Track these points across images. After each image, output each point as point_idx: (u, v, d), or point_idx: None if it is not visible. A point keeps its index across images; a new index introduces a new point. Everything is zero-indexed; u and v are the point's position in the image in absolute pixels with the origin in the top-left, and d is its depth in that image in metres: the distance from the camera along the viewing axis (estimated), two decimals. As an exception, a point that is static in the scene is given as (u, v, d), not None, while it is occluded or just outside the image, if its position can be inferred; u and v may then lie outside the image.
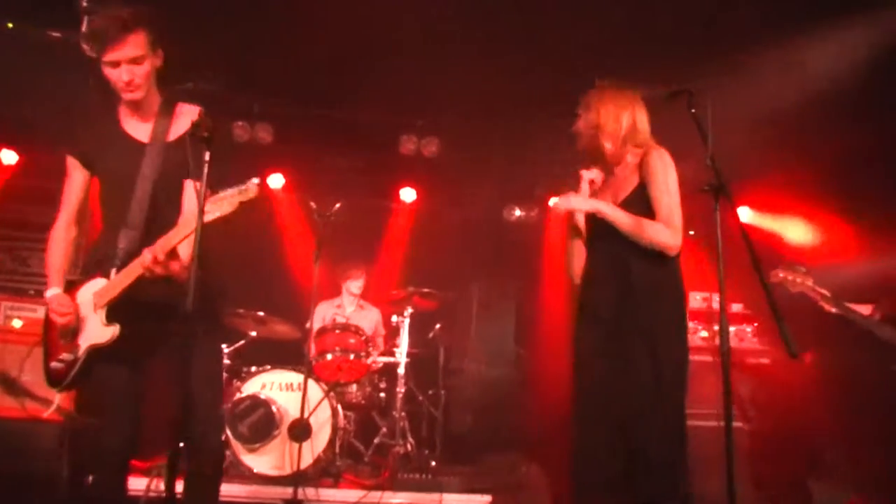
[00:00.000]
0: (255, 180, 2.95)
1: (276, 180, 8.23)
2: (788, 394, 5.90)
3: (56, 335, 3.25)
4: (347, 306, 7.29)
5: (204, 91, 2.95)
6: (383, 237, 8.54)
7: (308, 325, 5.75)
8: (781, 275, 4.74)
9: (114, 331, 3.13)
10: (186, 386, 3.07)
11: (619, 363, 3.23)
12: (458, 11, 5.87)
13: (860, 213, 6.26)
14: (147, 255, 2.99)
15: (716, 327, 5.53)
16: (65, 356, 3.22)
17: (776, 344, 6.05)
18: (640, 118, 3.48)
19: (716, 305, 5.50)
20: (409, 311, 6.49)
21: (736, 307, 5.79)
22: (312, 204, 5.59)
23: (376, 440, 6.51)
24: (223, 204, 2.92)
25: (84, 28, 3.22)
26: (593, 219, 3.47)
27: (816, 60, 5.60)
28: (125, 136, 3.31)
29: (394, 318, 6.71)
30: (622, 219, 3.30)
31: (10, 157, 7.65)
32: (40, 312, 3.92)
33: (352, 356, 6.33)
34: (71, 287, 3.27)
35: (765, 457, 5.47)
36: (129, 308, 3.14)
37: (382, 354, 6.75)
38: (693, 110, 3.04)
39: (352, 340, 6.42)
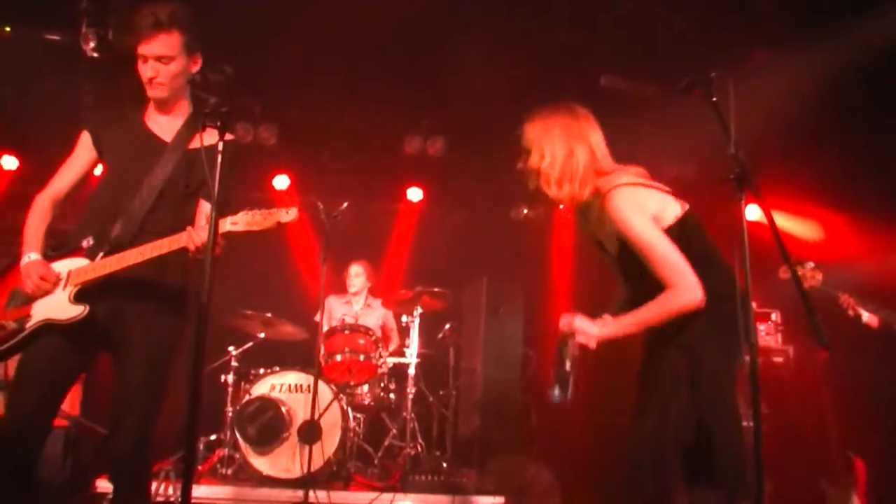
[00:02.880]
0: (295, 209, 3.09)
1: (281, 181, 8.19)
2: (802, 393, 5.86)
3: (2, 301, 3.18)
4: (355, 305, 7.24)
5: (212, 83, 2.87)
6: (390, 237, 8.49)
7: (317, 317, 5.69)
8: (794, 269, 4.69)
9: (82, 310, 3.09)
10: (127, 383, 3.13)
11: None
12: (464, 9, 5.83)
13: (867, 211, 6.22)
14: (194, 239, 3.00)
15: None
16: (9, 323, 3.13)
17: (791, 341, 6.02)
18: (595, 144, 3.06)
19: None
20: (418, 311, 6.43)
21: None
22: (319, 204, 5.53)
23: (386, 442, 6.45)
24: (264, 219, 3.05)
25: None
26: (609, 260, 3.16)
27: (822, 59, 5.55)
28: (146, 129, 3.33)
29: (403, 319, 6.65)
30: (642, 326, 2.93)
31: (10, 162, 7.61)
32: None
33: (361, 357, 6.27)
34: (47, 257, 3.22)
35: (778, 456, 5.42)
36: (102, 291, 3.12)
37: (392, 355, 6.70)
38: (714, 99, 2.94)
39: (361, 341, 6.36)
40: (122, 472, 3.17)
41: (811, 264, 4.74)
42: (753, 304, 5.70)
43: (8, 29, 6.08)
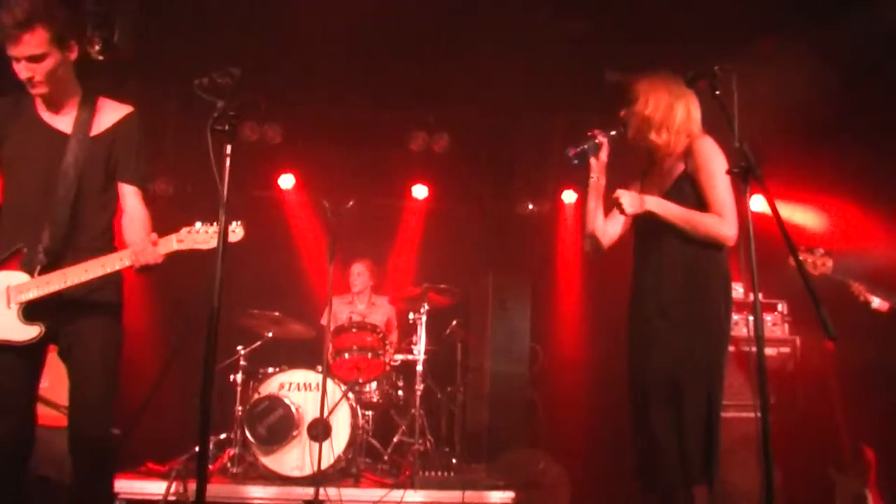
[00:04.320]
0: (240, 223, 3.05)
1: (287, 180, 8.20)
2: (809, 383, 5.84)
3: None
4: (359, 303, 7.26)
5: (221, 86, 2.88)
6: (396, 234, 8.49)
7: (323, 320, 5.70)
8: (801, 258, 4.68)
9: (38, 331, 3.08)
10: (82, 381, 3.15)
11: (666, 352, 3.23)
12: (466, 5, 5.82)
13: (879, 198, 6.19)
14: (139, 260, 3.07)
15: (736, 317, 5.47)
16: None
17: (798, 332, 6.01)
18: (693, 108, 3.41)
19: (739, 294, 5.44)
20: (425, 307, 6.44)
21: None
22: (325, 202, 5.54)
23: (395, 439, 6.46)
24: (209, 239, 3.05)
25: None
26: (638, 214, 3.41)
27: (833, 45, 5.53)
28: (43, 124, 3.23)
29: (410, 316, 6.65)
30: (677, 215, 3.25)
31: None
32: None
33: (369, 354, 6.29)
34: None
35: (785, 446, 5.41)
36: (48, 308, 3.10)
37: (399, 352, 6.71)
38: (717, 92, 2.96)
39: (369, 339, 6.38)
40: (83, 455, 3.18)
41: (821, 251, 4.72)
42: (760, 295, 5.73)
43: None
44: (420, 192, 8.42)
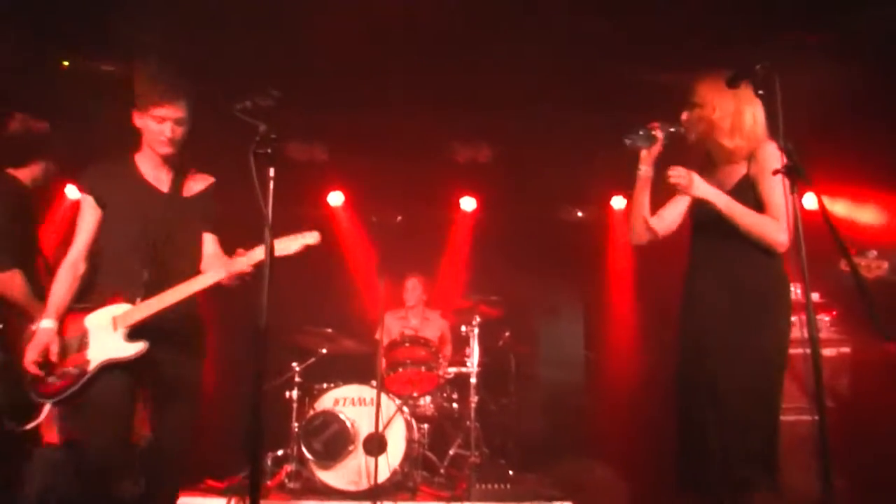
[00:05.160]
0: (316, 233, 3.47)
1: (335, 198, 8.28)
2: (870, 384, 5.70)
3: (48, 353, 3.42)
4: (412, 318, 7.29)
5: (262, 109, 2.95)
6: (445, 247, 8.51)
7: (377, 335, 5.74)
8: (854, 262, 4.57)
9: (140, 347, 3.39)
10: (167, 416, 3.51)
11: (722, 356, 3.21)
12: (505, 11, 5.82)
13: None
14: (231, 270, 3.41)
15: (794, 318, 5.35)
16: (70, 370, 3.42)
17: (857, 333, 5.86)
18: (758, 112, 3.36)
19: (797, 295, 5.32)
20: (476, 320, 6.43)
21: (812, 296, 5.58)
22: (373, 218, 5.59)
23: (451, 451, 6.46)
24: (290, 244, 3.39)
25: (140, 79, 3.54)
26: (698, 209, 3.42)
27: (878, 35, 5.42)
28: (144, 182, 3.65)
29: (462, 328, 6.66)
30: (736, 211, 3.23)
31: (75, 192, 7.83)
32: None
33: (423, 368, 6.32)
34: (76, 311, 3.51)
35: (845, 448, 5.28)
36: (150, 331, 3.41)
37: (453, 365, 6.71)
38: (760, 91, 2.92)
39: (422, 353, 6.42)
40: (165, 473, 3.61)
41: (874, 254, 4.60)
42: (816, 295, 5.61)
43: (66, 63, 6.28)
44: (468, 203, 8.43)
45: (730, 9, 5.41)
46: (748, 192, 3.28)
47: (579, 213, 8.54)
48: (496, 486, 5.72)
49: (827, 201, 6.89)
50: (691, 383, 3.32)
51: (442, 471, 6.32)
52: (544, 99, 6.85)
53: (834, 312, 5.93)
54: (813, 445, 2.74)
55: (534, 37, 6.07)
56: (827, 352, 5.66)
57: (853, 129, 6.11)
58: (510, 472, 6.35)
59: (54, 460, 4.57)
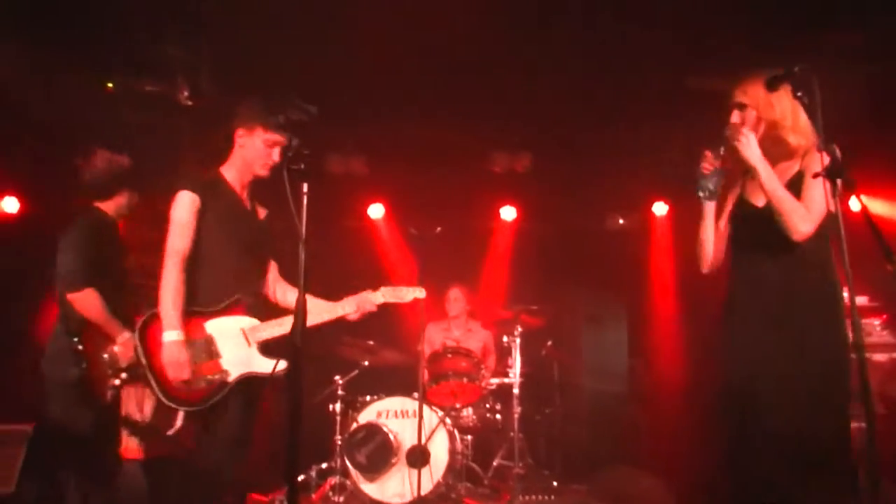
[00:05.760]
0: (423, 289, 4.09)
1: (376, 210, 8.33)
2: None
3: (187, 360, 3.44)
4: (455, 329, 7.26)
5: (297, 122, 2.98)
6: (486, 257, 8.49)
7: (419, 346, 5.75)
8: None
9: (282, 365, 3.50)
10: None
11: (776, 368, 3.14)
12: (545, 21, 5.80)
13: None
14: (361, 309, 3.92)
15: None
16: (212, 377, 3.48)
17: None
18: (802, 114, 3.26)
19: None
20: (518, 330, 6.41)
21: (860, 300, 5.47)
22: (413, 230, 5.61)
23: (495, 462, 6.43)
24: (404, 294, 4.06)
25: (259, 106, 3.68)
26: (738, 214, 3.38)
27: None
28: (238, 196, 3.77)
29: (504, 339, 6.63)
30: (775, 186, 3.14)
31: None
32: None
33: (465, 379, 6.30)
34: (193, 314, 3.54)
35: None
36: (277, 349, 3.55)
37: (495, 375, 6.68)
38: (799, 94, 2.88)
39: (464, 364, 6.39)
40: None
41: (920, 254, 4.49)
42: (865, 299, 5.49)
43: (110, 85, 6.40)
44: (508, 213, 8.42)
45: (761, 13, 5.35)
46: (798, 188, 3.20)
47: (620, 221, 8.47)
48: (540, 497, 5.67)
49: (867, 201, 6.85)
50: (741, 396, 3.23)
51: (486, 482, 6.29)
52: (583, 107, 6.82)
53: (885, 316, 5.79)
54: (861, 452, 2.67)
55: (573, 45, 6.06)
56: (878, 356, 5.53)
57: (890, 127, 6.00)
58: (554, 483, 6.29)
59: (138, 476, 4.78)
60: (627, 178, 7.97)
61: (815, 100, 2.83)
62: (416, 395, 5.82)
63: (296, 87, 5.78)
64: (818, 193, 3.05)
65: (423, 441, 5.50)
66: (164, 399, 3.44)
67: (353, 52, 6.03)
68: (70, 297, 4.07)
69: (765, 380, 3.15)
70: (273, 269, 3.97)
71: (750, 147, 3.17)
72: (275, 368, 3.49)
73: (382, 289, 4.00)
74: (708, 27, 5.60)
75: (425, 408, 5.64)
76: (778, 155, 3.31)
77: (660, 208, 8.21)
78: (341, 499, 5.82)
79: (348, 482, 5.83)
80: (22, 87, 5.76)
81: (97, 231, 4.28)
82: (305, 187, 2.95)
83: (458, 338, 7.11)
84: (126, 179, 4.44)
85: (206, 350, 3.49)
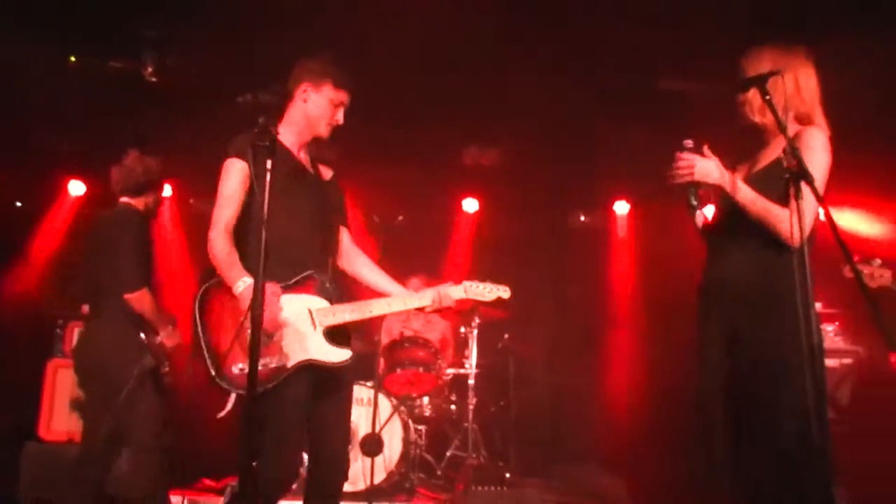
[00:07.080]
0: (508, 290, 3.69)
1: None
2: (873, 395, 5.66)
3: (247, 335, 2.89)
4: (414, 319, 7.25)
5: (263, 103, 2.89)
6: (447, 248, 8.49)
7: (377, 338, 5.71)
8: (858, 269, 4.52)
9: (348, 355, 3.22)
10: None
11: (738, 364, 3.08)
12: (513, 19, 5.81)
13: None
14: (440, 302, 3.51)
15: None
16: (271, 360, 3.09)
17: (860, 342, 5.83)
18: (806, 92, 3.15)
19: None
20: (476, 321, 6.41)
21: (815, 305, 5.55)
22: (375, 218, 5.58)
23: (448, 453, 6.44)
24: (487, 293, 3.64)
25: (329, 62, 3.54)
26: (718, 208, 3.27)
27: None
28: (298, 162, 3.46)
29: (462, 330, 6.63)
30: (749, 199, 2.96)
31: (78, 188, 7.83)
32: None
33: (422, 369, 6.29)
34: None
35: (854, 460, 5.24)
36: (344, 337, 3.28)
37: (452, 366, 6.68)
38: (767, 97, 2.90)
39: (421, 353, 6.38)
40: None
41: (878, 262, 4.55)
42: (819, 305, 5.57)
43: (73, 59, 6.26)
44: (470, 205, 8.42)
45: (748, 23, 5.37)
46: (776, 174, 2.94)
47: (582, 218, 8.52)
48: (494, 488, 5.68)
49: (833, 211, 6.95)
50: (707, 386, 3.19)
51: (439, 472, 6.30)
52: (548, 102, 6.83)
53: (838, 322, 5.89)
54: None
55: (541, 42, 6.06)
56: (830, 362, 5.62)
57: (865, 137, 6.09)
58: (507, 475, 6.31)
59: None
60: (591, 176, 8.02)
61: (782, 102, 2.86)
62: (370, 383, 5.79)
63: (267, 72, 5.77)
64: (807, 193, 2.87)
65: (377, 430, 5.48)
66: (215, 378, 3.08)
67: (321, 45, 5.96)
68: (128, 297, 4.25)
69: (728, 372, 3.09)
70: (345, 237, 3.63)
71: (705, 171, 2.97)
72: (340, 360, 3.19)
73: (465, 283, 3.60)
74: (676, 25, 5.62)
75: (380, 396, 5.61)
76: (793, 120, 3.14)
77: (621, 207, 8.28)
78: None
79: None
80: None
81: (146, 232, 4.49)
82: (269, 164, 2.82)
83: (417, 328, 7.10)
84: (156, 179, 4.61)
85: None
